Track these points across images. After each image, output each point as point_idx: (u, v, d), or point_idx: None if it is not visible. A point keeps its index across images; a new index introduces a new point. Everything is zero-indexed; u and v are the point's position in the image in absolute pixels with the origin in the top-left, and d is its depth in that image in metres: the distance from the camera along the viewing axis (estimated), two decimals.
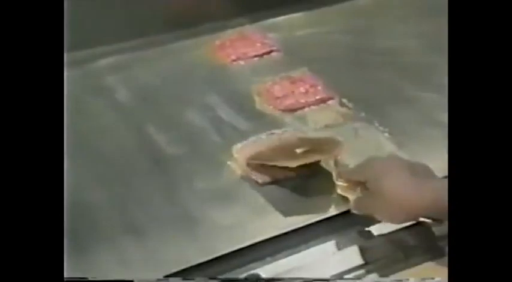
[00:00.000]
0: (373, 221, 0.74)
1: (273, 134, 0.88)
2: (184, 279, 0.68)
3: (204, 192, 0.81)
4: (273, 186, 0.82)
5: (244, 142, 0.87)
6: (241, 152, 0.85)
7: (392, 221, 0.72)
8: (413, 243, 0.73)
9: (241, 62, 1.08)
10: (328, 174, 0.80)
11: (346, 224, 0.76)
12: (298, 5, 1.19)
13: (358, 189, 0.75)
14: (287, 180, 0.82)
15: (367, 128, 0.91)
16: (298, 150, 0.81)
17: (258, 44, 1.11)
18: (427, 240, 0.73)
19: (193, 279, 0.69)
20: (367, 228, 0.74)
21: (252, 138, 0.88)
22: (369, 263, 0.71)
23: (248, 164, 0.83)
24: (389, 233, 0.74)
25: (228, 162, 0.85)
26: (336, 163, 0.80)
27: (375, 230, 0.74)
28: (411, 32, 1.13)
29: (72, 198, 0.65)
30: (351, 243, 0.73)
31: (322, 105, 0.96)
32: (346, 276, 0.70)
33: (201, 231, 0.76)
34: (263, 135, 0.88)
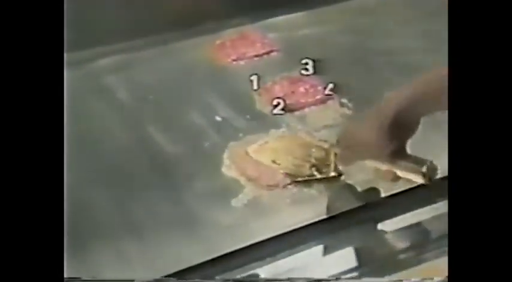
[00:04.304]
0: (373, 221, 0.74)
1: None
2: (184, 279, 0.68)
3: (204, 192, 0.81)
4: (273, 187, 0.82)
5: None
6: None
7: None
8: (413, 243, 0.73)
9: (241, 62, 1.08)
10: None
11: (345, 224, 0.76)
12: (298, 5, 1.19)
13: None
14: (287, 181, 0.82)
15: None
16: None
17: (258, 44, 1.11)
18: (426, 240, 0.73)
19: (193, 279, 0.69)
20: (367, 229, 0.75)
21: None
22: (368, 263, 0.71)
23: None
24: (389, 233, 0.74)
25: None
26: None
27: (375, 230, 0.74)
28: (411, 32, 1.13)
29: (72, 198, 0.65)
30: (351, 243, 0.73)
31: (322, 105, 0.96)
32: (345, 276, 0.70)
33: (201, 231, 0.76)
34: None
